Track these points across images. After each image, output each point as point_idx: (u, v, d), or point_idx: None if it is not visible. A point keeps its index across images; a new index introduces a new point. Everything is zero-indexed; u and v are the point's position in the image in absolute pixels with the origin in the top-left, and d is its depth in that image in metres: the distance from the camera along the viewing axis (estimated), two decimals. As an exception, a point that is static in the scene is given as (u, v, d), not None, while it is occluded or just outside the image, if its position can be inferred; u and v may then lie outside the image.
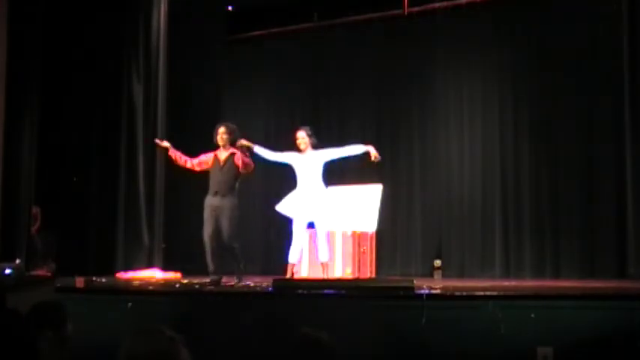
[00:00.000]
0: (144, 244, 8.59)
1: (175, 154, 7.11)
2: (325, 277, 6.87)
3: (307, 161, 6.92)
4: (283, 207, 7.04)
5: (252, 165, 6.92)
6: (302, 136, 6.94)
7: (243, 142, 6.94)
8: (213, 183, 6.87)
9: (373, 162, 6.91)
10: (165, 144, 7.21)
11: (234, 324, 5.11)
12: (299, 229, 6.94)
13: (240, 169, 6.85)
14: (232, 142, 6.94)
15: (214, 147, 7.00)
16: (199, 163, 7.01)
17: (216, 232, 6.75)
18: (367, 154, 6.90)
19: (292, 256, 6.91)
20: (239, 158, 6.84)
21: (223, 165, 6.87)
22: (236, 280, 6.84)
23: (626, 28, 8.03)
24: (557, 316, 4.65)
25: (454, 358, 4.69)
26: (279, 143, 10.30)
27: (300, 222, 6.93)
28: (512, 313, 4.68)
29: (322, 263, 6.94)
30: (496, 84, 9.27)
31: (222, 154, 6.93)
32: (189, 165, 7.03)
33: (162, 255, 8.74)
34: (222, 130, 6.93)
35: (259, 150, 7.05)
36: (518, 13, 9.13)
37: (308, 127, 7.05)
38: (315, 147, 6.96)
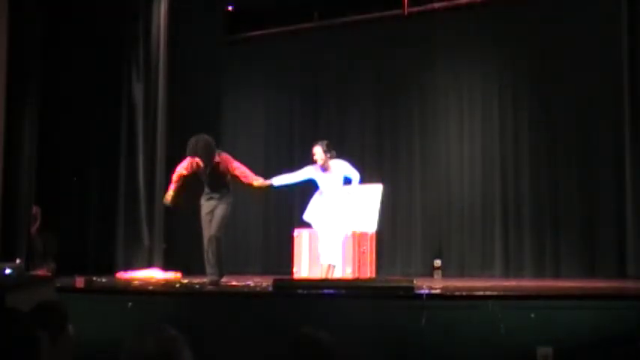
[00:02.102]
0: (144, 244, 8.59)
1: (175, 185, 6.75)
2: (326, 277, 6.87)
3: (327, 174, 6.93)
4: (309, 216, 7.08)
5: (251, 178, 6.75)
6: (318, 152, 6.87)
7: (260, 184, 6.79)
8: (205, 186, 6.71)
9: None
10: (169, 200, 6.76)
11: (234, 324, 5.11)
12: (325, 232, 6.98)
13: (240, 180, 6.72)
14: (211, 161, 6.55)
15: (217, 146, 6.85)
16: (186, 168, 6.67)
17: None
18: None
19: (325, 257, 6.94)
20: (226, 166, 6.61)
21: (209, 170, 6.62)
22: (207, 282, 6.57)
23: (626, 28, 8.03)
24: (557, 316, 4.64)
25: (454, 358, 4.69)
26: (278, 143, 10.43)
27: (324, 227, 7.00)
28: (512, 313, 4.67)
29: (330, 265, 6.96)
30: (496, 84, 9.27)
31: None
32: (182, 177, 6.73)
33: (163, 255, 8.74)
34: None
35: (278, 181, 7.02)
36: (518, 13, 9.12)
37: (325, 143, 6.91)
38: (332, 158, 6.92)
